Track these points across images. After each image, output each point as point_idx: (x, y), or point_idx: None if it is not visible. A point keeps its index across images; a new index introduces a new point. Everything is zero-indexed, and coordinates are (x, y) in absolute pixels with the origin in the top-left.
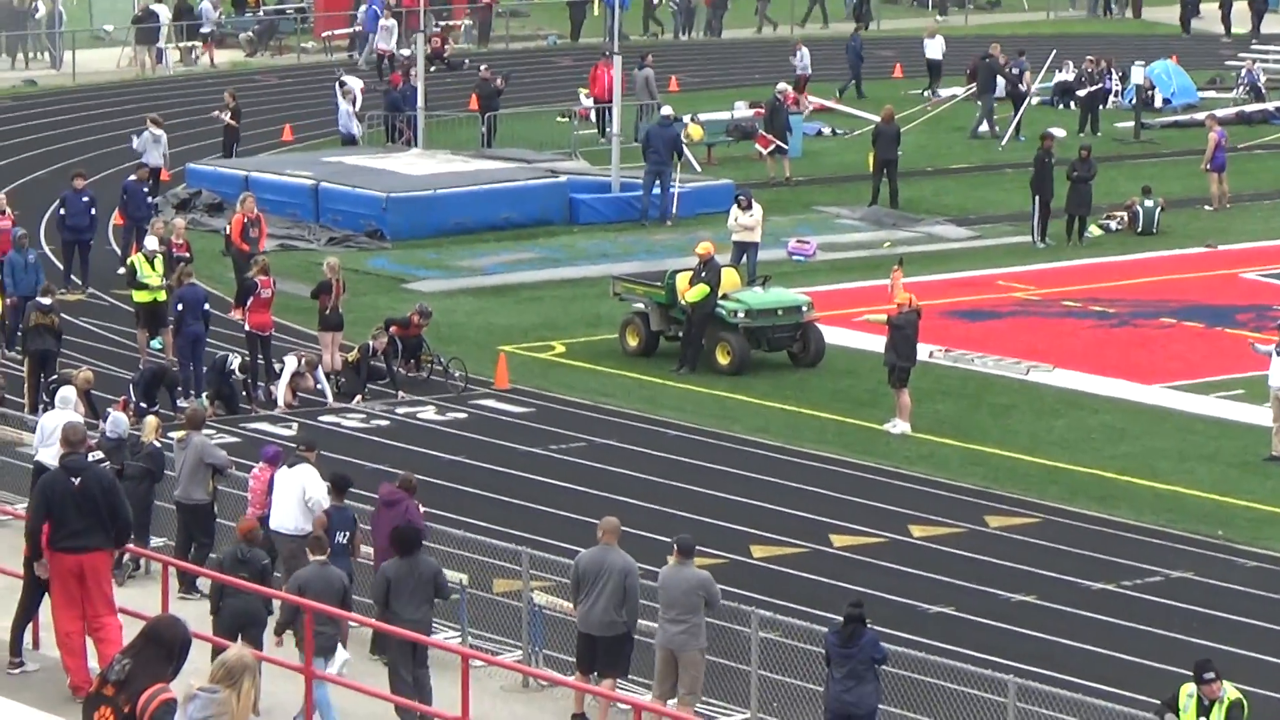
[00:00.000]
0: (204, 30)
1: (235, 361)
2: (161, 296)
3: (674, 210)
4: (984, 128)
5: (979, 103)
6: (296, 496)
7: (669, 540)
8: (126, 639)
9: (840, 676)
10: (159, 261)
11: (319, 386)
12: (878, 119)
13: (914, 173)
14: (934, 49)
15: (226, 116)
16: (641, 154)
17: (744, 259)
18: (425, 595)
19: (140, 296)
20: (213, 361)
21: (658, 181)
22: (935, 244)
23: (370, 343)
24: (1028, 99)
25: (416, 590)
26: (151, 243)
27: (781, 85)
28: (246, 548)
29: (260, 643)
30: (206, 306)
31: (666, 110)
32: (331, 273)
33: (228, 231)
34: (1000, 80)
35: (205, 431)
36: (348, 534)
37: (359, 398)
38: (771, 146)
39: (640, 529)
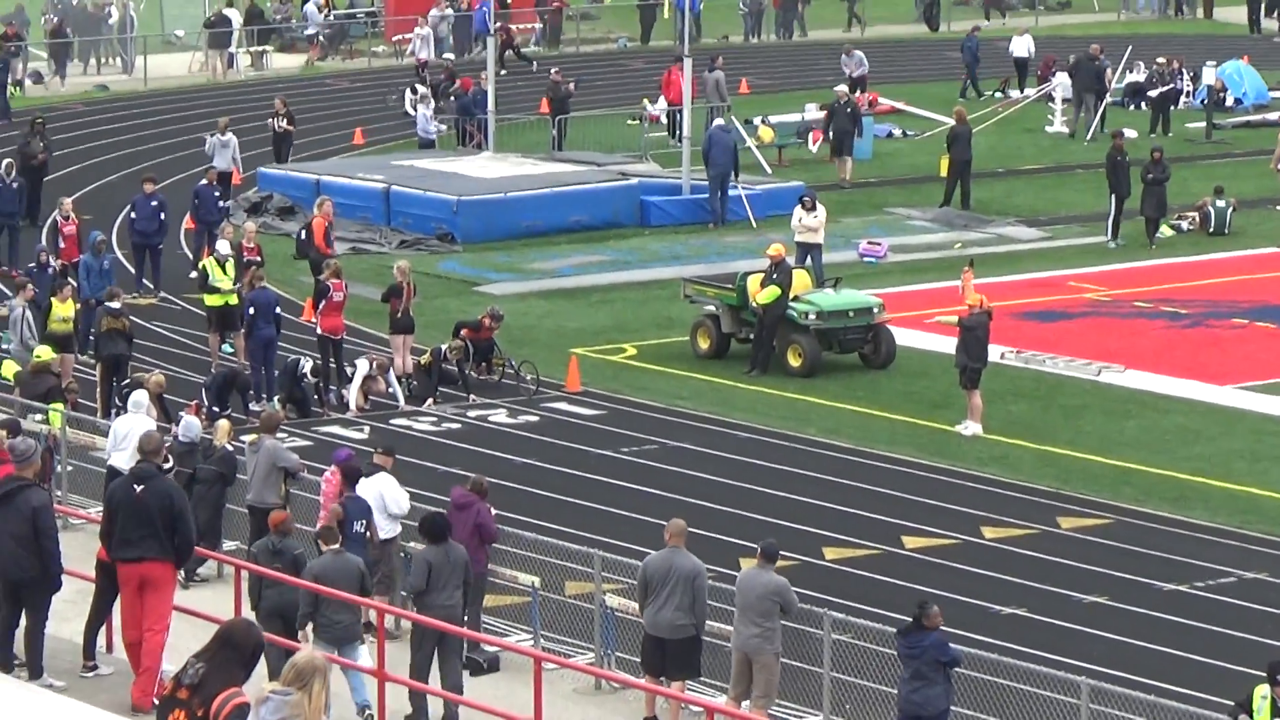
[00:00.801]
0: (309, 32)
1: (307, 365)
2: (233, 300)
3: (749, 213)
4: (1093, 125)
5: (1080, 102)
6: (376, 506)
7: (741, 543)
8: (194, 646)
9: (908, 677)
10: (230, 265)
11: (390, 390)
12: (950, 121)
13: (985, 174)
14: (1020, 47)
15: (282, 123)
16: (704, 158)
17: (809, 260)
18: (457, 581)
19: (212, 300)
20: (285, 365)
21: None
22: (1006, 245)
23: (442, 347)
24: (1107, 97)
25: (450, 576)
26: (223, 246)
27: (840, 88)
28: (279, 539)
29: (300, 634)
30: (278, 310)
31: (719, 122)
32: (402, 276)
33: (302, 235)
34: (1080, 79)
35: (278, 435)
36: (364, 523)
37: (430, 401)
38: (820, 141)
39: (713, 531)
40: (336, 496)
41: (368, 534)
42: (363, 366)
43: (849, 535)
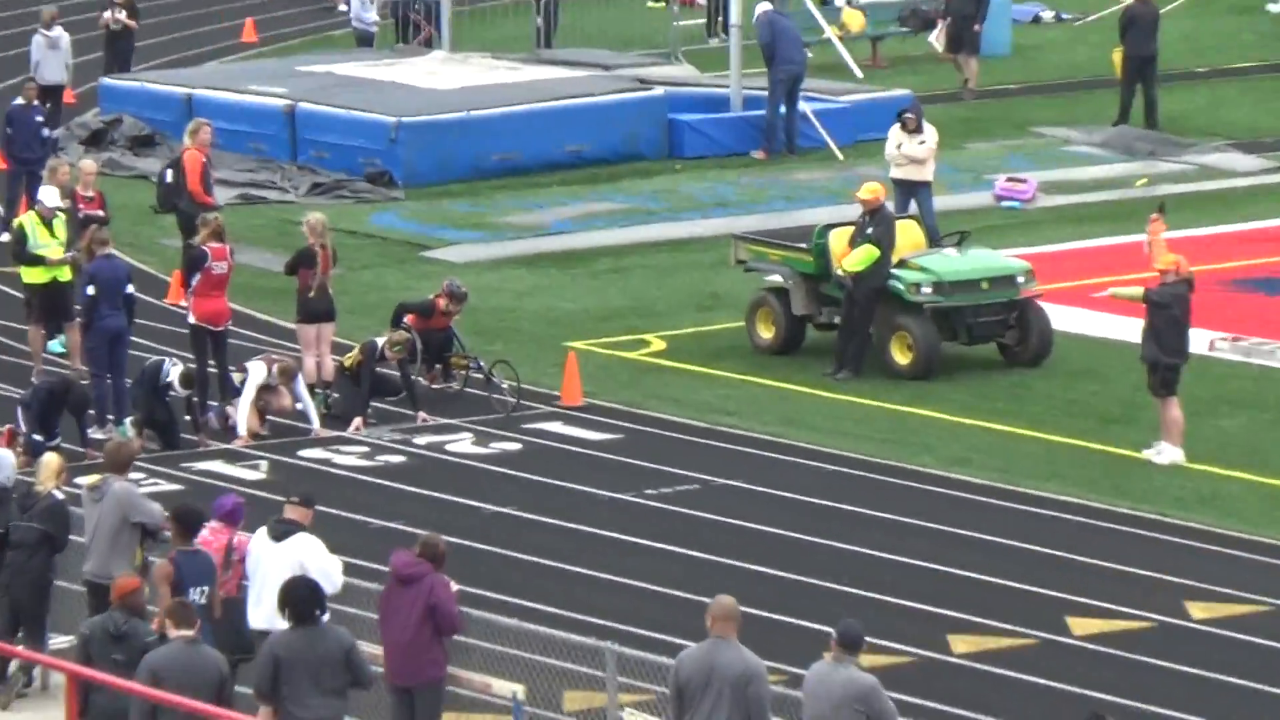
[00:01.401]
0: None
1: (175, 371)
2: (65, 275)
3: (828, 138)
4: None
5: None
6: None
7: (818, 628)
8: None
9: None
10: (60, 224)
11: (299, 405)
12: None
13: (1180, 75)
14: None
15: (120, 16)
16: (763, 56)
17: (913, 206)
18: (332, 682)
19: (33, 275)
20: (142, 371)
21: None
22: (1214, 180)
23: (377, 342)
24: None
25: (319, 674)
26: (50, 195)
27: None
28: (124, 618)
29: None
30: (131, 289)
31: (763, 6)
32: (315, 236)
33: (168, 177)
34: None
35: (131, 476)
36: (204, 590)
37: (359, 421)
38: (939, 30)
39: (777, 610)
40: (220, 568)
41: (208, 605)
42: (257, 372)
43: (987, 616)
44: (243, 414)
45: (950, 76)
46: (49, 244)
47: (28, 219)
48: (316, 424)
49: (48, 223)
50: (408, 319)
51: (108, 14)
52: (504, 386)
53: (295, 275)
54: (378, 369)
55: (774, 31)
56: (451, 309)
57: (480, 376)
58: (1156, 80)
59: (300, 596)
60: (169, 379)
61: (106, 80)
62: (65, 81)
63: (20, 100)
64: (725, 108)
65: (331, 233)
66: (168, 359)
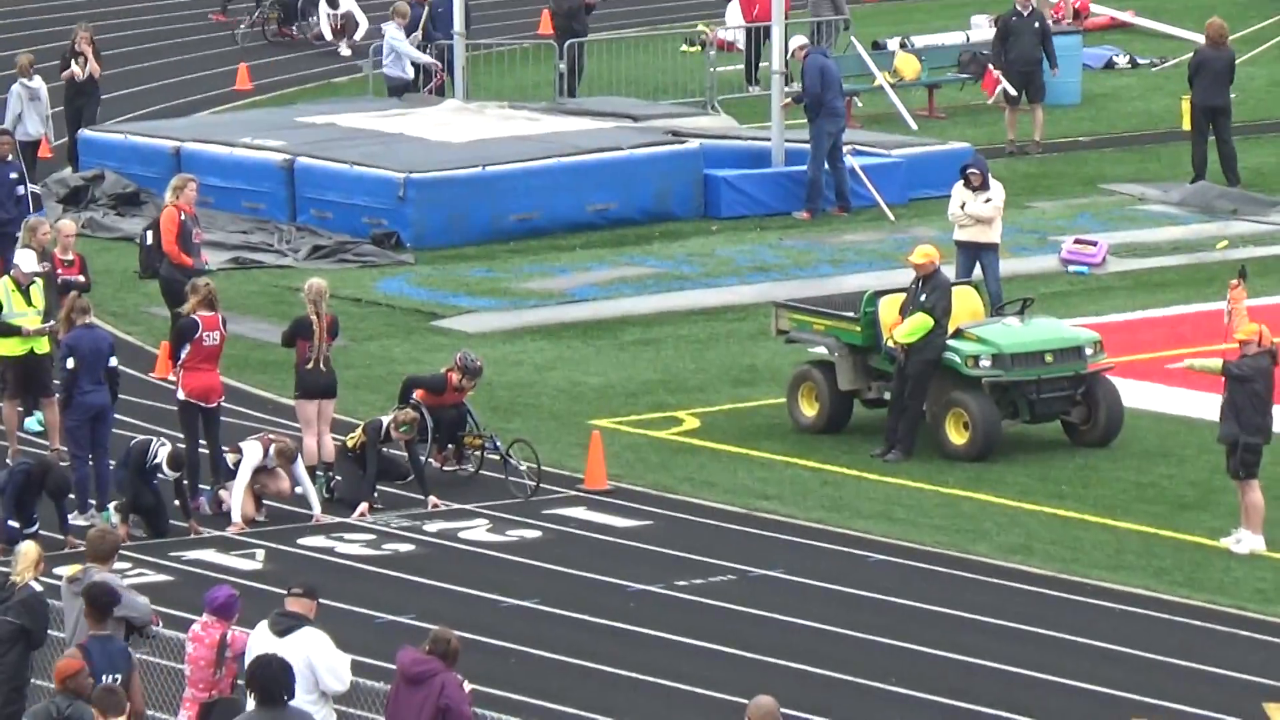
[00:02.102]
0: None
1: (164, 452)
2: (43, 347)
3: (877, 196)
4: None
5: None
6: (297, 681)
7: None
8: None
9: None
10: (38, 290)
11: (299, 489)
12: (1200, 39)
13: (1262, 127)
14: None
15: (80, 67)
16: (804, 108)
17: (977, 270)
18: None
19: (7, 347)
20: (127, 451)
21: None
22: None
23: (382, 420)
24: None
25: None
26: (26, 260)
27: None
28: (66, 702)
29: None
30: (114, 362)
31: (799, 40)
32: (314, 304)
33: (150, 239)
34: None
35: (115, 566)
36: (116, 678)
37: (364, 507)
38: (999, 89)
39: (822, 713)
40: (211, 665)
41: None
42: (252, 453)
43: (1048, 718)
44: (237, 499)
45: (1022, 126)
46: (25, 313)
47: (1, 285)
48: (318, 509)
49: (24, 289)
50: (417, 395)
51: (74, 66)
52: (522, 468)
53: (293, 347)
54: (384, 450)
55: (824, 80)
56: (465, 384)
57: (496, 457)
58: (1230, 131)
59: (270, 676)
60: (157, 460)
61: (87, 133)
62: (46, 133)
63: None
64: (766, 163)
65: (334, 299)
66: (155, 439)
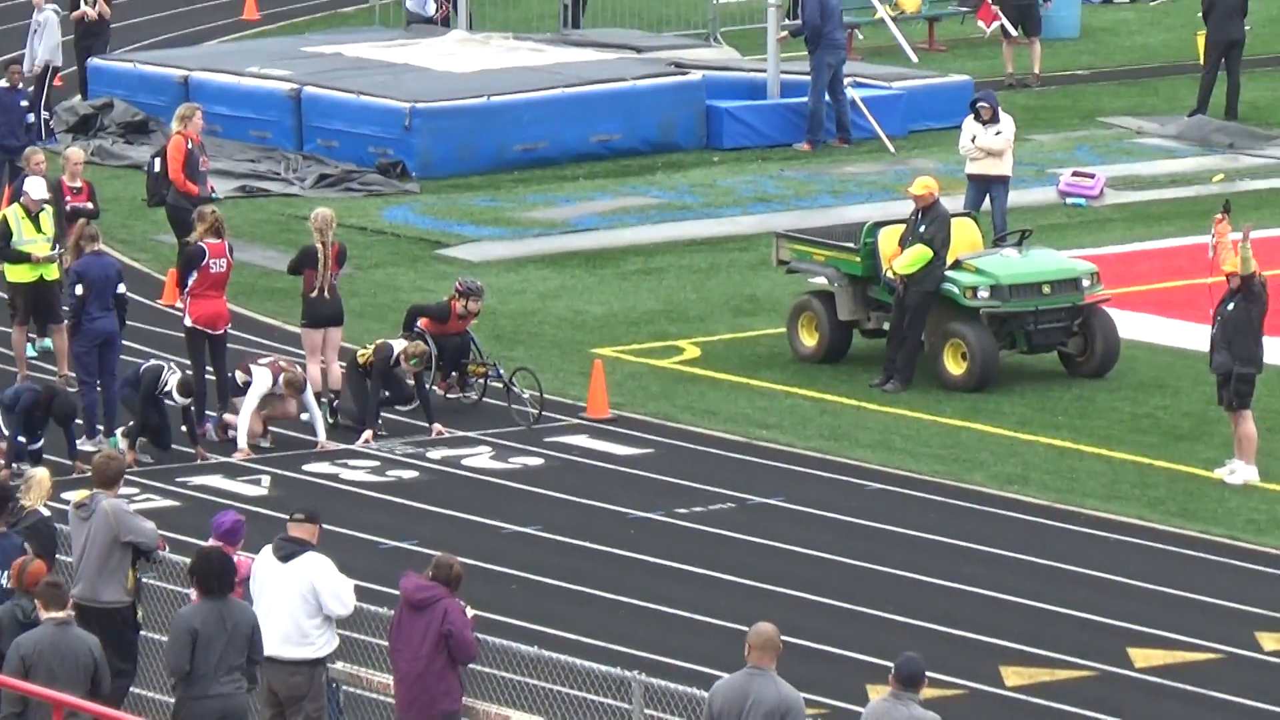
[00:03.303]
0: None
1: (173, 379)
2: (52, 273)
3: (878, 128)
4: None
5: None
6: (300, 605)
7: (869, 660)
8: None
9: None
10: (47, 216)
11: (305, 416)
12: None
13: (1264, 61)
14: None
15: (90, 6)
16: (804, 40)
17: (986, 202)
18: (239, 658)
19: (17, 274)
20: (137, 373)
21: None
22: None
23: (394, 347)
24: None
25: (228, 650)
26: (35, 187)
27: None
28: (31, 605)
29: None
30: (122, 288)
31: None
32: (320, 232)
33: (158, 166)
34: None
35: (122, 491)
36: (6, 573)
37: (369, 434)
38: (995, 23)
39: (820, 640)
40: None
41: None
42: (262, 380)
43: (1042, 646)
44: (243, 425)
45: (1020, 59)
46: (35, 239)
47: (11, 212)
48: (323, 436)
49: (33, 216)
50: (421, 323)
51: (84, 5)
52: (525, 396)
53: (299, 275)
54: (394, 372)
55: (824, 11)
56: (470, 306)
57: (500, 385)
58: (1240, 66)
59: (209, 569)
60: (167, 388)
61: (96, 61)
62: (53, 61)
63: (3, 83)
64: (767, 94)
65: (340, 228)
66: (166, 366)
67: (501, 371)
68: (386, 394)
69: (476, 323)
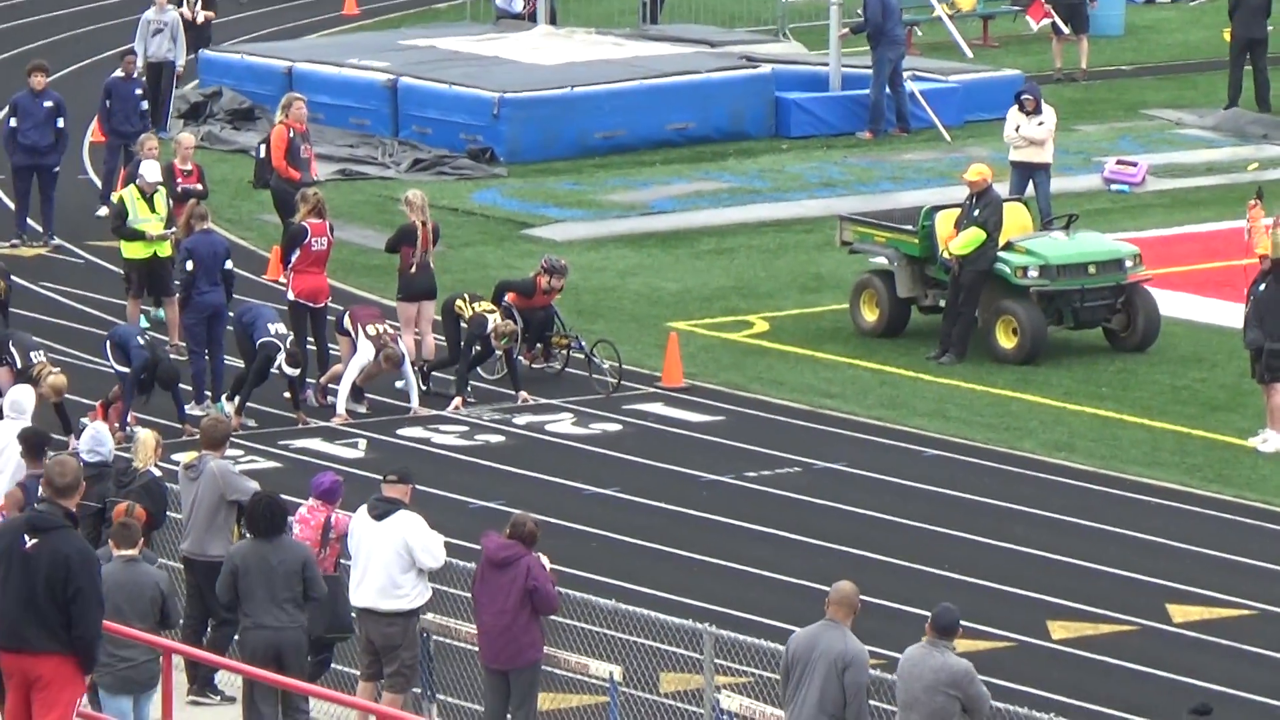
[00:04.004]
0: None
1: (281, 356)
2: (165, 250)
3: (935, 119)
4: None
5: None
6: (394, 560)
7: (921, 614)
8: None
9: None
10: (160, 199)
11: (400, 384)
12: None
13: None
14: None
15: (198, 9)
16: (867, 36)
17: (1030, 188)
18: (289, 593)
19: (134, 251)
20: (258, 349)
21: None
22: None
23: (488, 320)
24: None
25: (275, 586)
26: (150, 170)
27: None
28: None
29: None
30: (229, 265)
31: None
32: (416, 213)
33: (263, 152)
34: None
35: (228, 453)
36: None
37: (458, 400)
38: (1045, 20)
39: (879, 596)
40: (317, 544)
41: None
42: (365, 353)
43: (1087, 603)
44: (343, 394)
45: (1068, 55)
46: (149, 219)
47: (128, 194)
48: (416, 403)
49: (148, 198)
50: (509, 298)
51: (184, 9)
52: (605, 367)
53: (396, 252)
54: (493, 339)
55: (885, 9)
56: (554, 284)
57: (581, 356)
58: (1266, 60)
59: (259, 512)
60: (280, 365)
61: (207, 53)
62: (175, 57)
63: (119, 73)
64: (831, 86)
65: (432, 209)
66: (282, 345)
67: (583, 343)
68: (478, 349)
69: (560, 298)
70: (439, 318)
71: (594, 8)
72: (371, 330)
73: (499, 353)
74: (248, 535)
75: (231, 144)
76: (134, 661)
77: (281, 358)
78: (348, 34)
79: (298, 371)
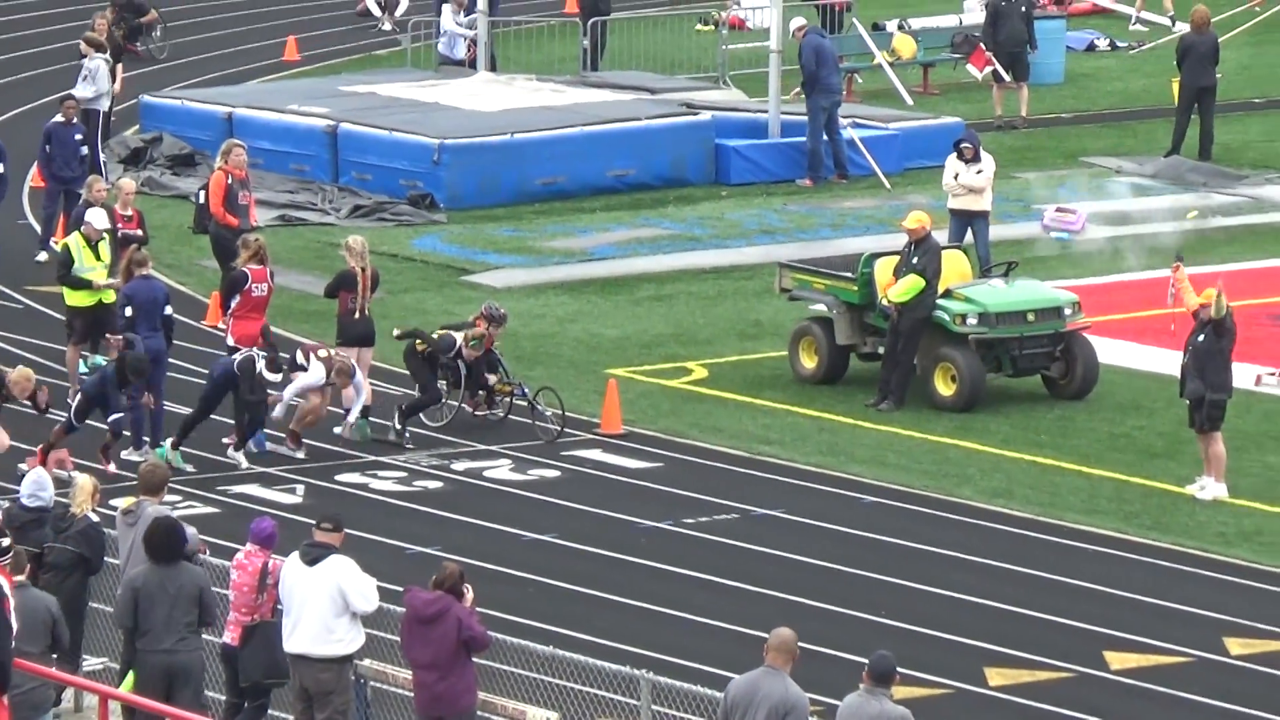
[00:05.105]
0: None
1: (261, 364)
2: (109, 297)
3: (875, 166)
4: None
5: None
6: (327, 605)
7: (858, 660)
8: None
9: None
10: (105, 246)
11: (339, 429)
12: (1185, 26)
13: (1236, 106)
14: None
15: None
16: (802, 84)
17: (968, 236)
18: (186, 618)
19: (77, 299)
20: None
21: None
22: (1266, 214)
23: (457, 338)
24: None
25: (173, 611)
26: (98, 217)
27: None
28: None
29: None
30: (169, 310)
31: (798, 21)
32: (355, 259)
33: (203, 198)
34: None
35: (166, 499)
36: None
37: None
38: (987, 69)
39: (817, 643)
40: (254, 590)
41: None
42: (315, 374)
43: (1024, 649)
44: (285, 400)
45: (1008, 102)
46: (94, 267)
47: (73, 240)
48: (353, 416)
49: (93, 245)
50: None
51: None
52: (548, 414)
53: (335, 298)
54: (458, 362)
55: (819, 58)
56: (491, 331)
57: (524, 403)
58: (1213, 110)
59: (158, 539)
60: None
61: (147, 98)
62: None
63: (59, 118)
64: (771, 134)
65: (373, 255)
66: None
67: (527, 390)
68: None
69: (500, 344)
70: (390, 365)
71: (534, 55)
72: (323, 354)
73: (448, 397)
74: (147, 560)
75: (171, 189)
76: (24, 688)
77: (261, 364)
78: (288, 80)
79: (279, 377)
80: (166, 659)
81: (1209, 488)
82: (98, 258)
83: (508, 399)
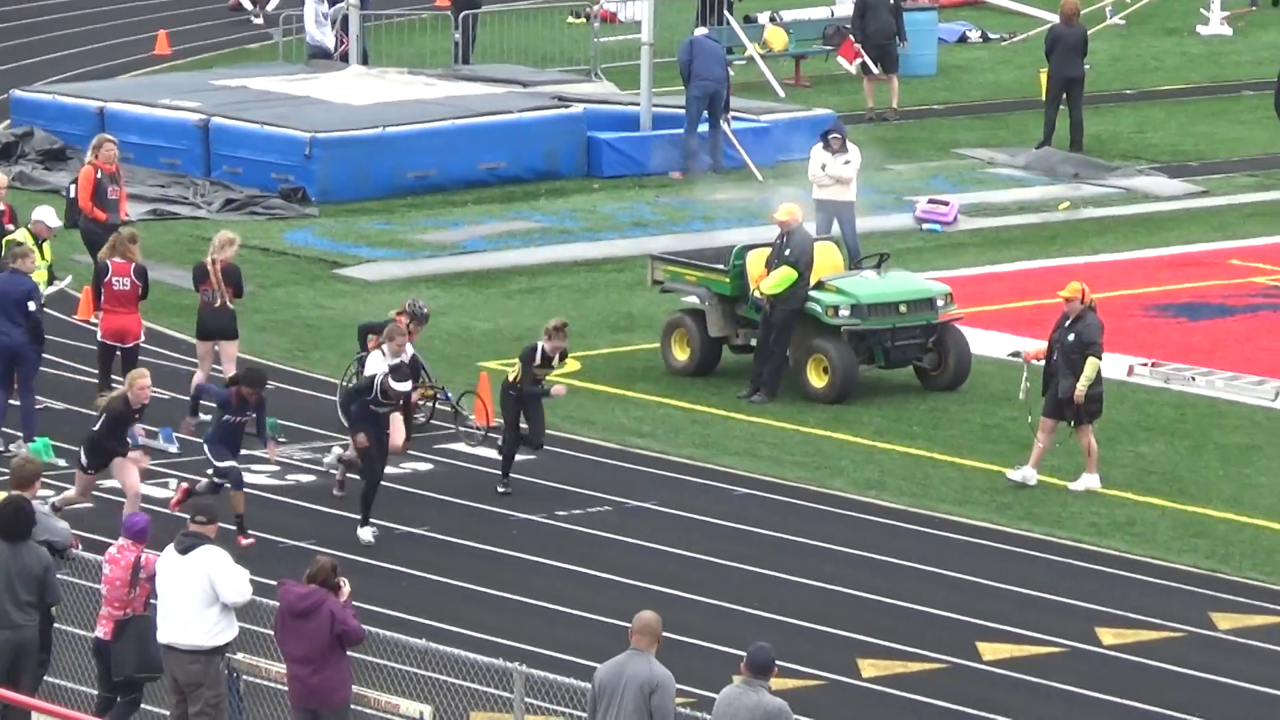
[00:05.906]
0: None
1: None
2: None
3: (747, 159)
4: None
5: None
6: (197, 595)
7: (730, 651)
8: None
9: None
10: None
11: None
12: (1054, 18)
13: (1107, 97)
14: None
15: None
16: (680, 74)
17: (836, 227)
18: (29, 596)
19: None
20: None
21: (706, 113)
22: (1137, 204)
23: (538, 345)
24: None
25: (17, 588)
26: (47, 215)
27: None
28: None
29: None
30: (32, 305)
31: (701, 31)
32: (211, 252)
33: (73, 192)
34: None
35: (39, 493)
36: None
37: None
38: (858, 60)
39: (691, 634)
40: (126, 586)
41: None
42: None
43: (897, 640)
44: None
45: (879, 94)
46: None
47: None
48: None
49: None
50: (371, 341)
51: None
52: (471, 419)
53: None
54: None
55: (693, 50)
56: (412, 329)
57: (447, 408)
58: (1082, 102)
59: (4, 517)
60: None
61: (17, 92)
62: None
63: None
64: (643, 126)
65: (244, 249)
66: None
67: (450, 395)
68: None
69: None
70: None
71: (406, 48)
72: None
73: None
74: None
75: (43, 184)
76: None
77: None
78: (160, 74)
79: (408, 386)
80: (13, 635)
81: (1081, 480)
82: None
83: (430, 404)
